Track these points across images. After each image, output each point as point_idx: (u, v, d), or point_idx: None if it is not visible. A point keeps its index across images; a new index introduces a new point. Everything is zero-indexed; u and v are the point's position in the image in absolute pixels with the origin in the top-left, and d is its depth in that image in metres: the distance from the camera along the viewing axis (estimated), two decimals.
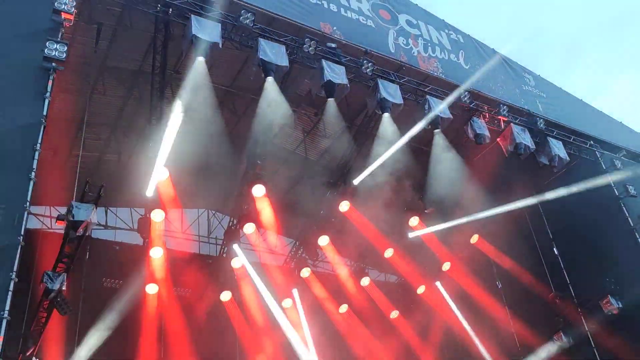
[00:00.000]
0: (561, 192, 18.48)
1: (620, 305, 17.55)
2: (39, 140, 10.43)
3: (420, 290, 21.81)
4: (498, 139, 18.14)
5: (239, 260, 18.59)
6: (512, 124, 17.96)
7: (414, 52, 17.78)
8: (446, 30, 19.68)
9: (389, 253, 20.77)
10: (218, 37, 13.55)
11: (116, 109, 17.52)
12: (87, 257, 17.06)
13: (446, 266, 21.44)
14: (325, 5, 16.67)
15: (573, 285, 19.54)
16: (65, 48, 11.16)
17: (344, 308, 21.19)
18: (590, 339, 18.33)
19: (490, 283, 21.53)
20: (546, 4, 67.10)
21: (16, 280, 9.30)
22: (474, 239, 21.26)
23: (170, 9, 13.77)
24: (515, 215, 19.31)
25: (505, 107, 18.05)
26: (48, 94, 10.81)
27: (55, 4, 11.52)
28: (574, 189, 18.32)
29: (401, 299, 22.22)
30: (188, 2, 13.80)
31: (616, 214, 18.85)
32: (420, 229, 20.55)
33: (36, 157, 10.28)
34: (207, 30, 13.44)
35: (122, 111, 17.56)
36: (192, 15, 13.51)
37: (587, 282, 18.95)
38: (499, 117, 18.03)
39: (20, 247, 9.51)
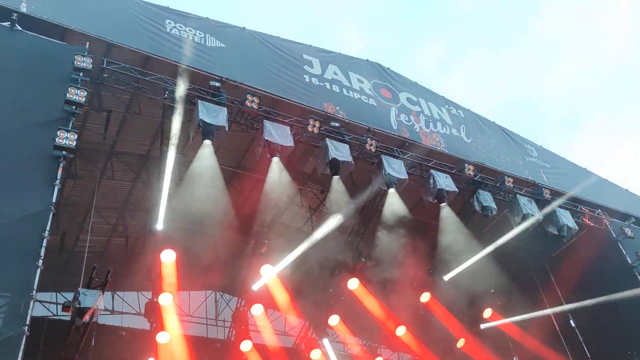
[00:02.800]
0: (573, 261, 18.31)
1: None
2: (47, 228, 10.46)
3: None
4: (505, 210, 18.12)
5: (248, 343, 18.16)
6: (518, 195, 17.99)
7: (415, 128, 18.11)
8: (446, 106, 20.14)
9: (401, 331, 20.24)
10: (224, 121, 13.89)
11: (124, 193, 17.73)
12: (93, 343, 16.71)
13: (461, 342, 20.81)
14: (328, 87, 17.18)
15: (594, 359, 18.87)
16: (76, 136, 11.40)
17: None
18: None
19: (508, 358, 20.84)
20: (543, 73, 69.01)
21: None
22: (488, 313, 20.78)
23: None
24: (528, 286, 19.01)
25: (510, 178, 18.14)
26: (57, 182, 10.96)
27: (67, 94, 11.89)
28: (587, 258, 18.12)
29: None
30: (195, 88, 14.27)
31: (631, 283, 18.46)
32: (431, 304, 20.15)
33: (44, 244, 10.26)
34: (213, 114, 13.80)
35: (130, 195, 17.76)
36: (198, 101, 13.93)
37: (609, 356, 18.30)
38: (505, 189, 18.06)
39: (25, 337, 9.32)
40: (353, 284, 18.92)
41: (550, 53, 69.59)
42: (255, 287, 18.12)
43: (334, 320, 19.57)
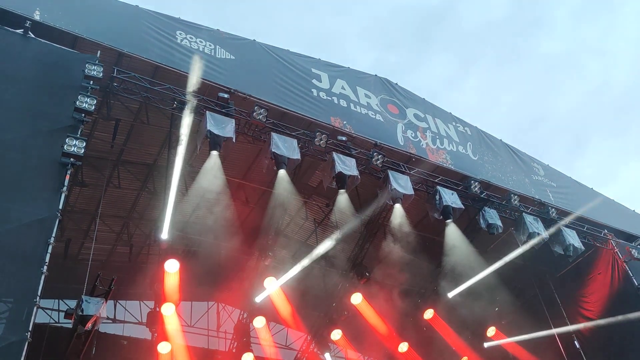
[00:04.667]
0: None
1: None
2: (53, 234, 10.47)
3: None
4: (511, 229, 18.03)
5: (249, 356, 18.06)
6: (524, 213, 17.91)
7: (422, 145, 18.11)
8: (453, 123, 20.14)
9: (403, 348, 20.09)
10: (232, 132, 13.93)
11: (130, 201, 17.76)
12: (94, 352, 16.65)
13: None
14: (336, 101, 17.23)
15: None
16: (84, 144, 11.43)
17: None
18: None
19: None
20: (550, 92, 69.04)
21: None
22: (491, 331, 20.62)
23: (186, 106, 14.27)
24: (532, 305, 18.88)
25: (516, 196, 18.07)
26: (64, 189, 10.98)
27: (77, 102, 11.96)
28: (591, 279, 18.01)
29: None
30: (203, 99, 14.34)
31: (638, 305, 18.28)
32: (434, 321, 20.02)
33: (49, 251, 10.26)
34: (221, 125, 13.85)
35: (136, 204, 17.79)
36: (207, 112, 13.99)
37: None
38: (511, 207, 17.99)
39: (27, 343, 9.29)
40: (356, 298, 18.82)
41: (558, 72, 69.66)
42: (258, 299, 18.05)
43: (336, 334, 19.45)
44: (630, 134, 68.06)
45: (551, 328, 20.04)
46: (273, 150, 14.42)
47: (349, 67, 18.87)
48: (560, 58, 68.20)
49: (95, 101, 12.21)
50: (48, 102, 11.97)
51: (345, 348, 20.32)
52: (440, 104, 20.58)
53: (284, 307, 18.13)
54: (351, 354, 20.35)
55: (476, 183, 17.41)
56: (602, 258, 19.18)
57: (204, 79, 14.64)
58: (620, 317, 17.75)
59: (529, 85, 70.70)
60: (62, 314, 17.37)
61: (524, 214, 17.89)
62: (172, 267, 15.41)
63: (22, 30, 12.62)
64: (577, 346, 19.60)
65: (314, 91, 16.91)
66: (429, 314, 20.06)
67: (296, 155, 14.74)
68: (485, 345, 20.66)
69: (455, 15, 68.25)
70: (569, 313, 20.04)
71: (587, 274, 18.45)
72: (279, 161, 14.52)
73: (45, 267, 10.02)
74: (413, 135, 18.15)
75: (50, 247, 10.25)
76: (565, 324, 20.03)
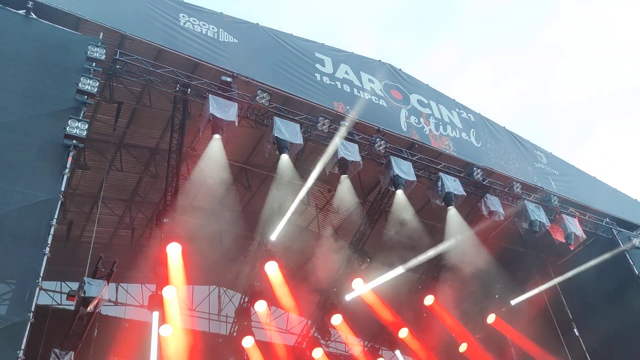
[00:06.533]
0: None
1: None
2: (55, 216, 10.49)
3: None
4: (513, 216, 18.02)
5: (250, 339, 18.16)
6: (526, 201, 17.90)
7: (425, 131, 18.04)
8: (457, 109, 20.05)
9: (403, 333, 20.18)
10: (234, 116, 13.90)
11: (132, 184, 17.77)
12: (96, 334, 16.76)
13: (463, 347, 20.73)
14: (339, 86, 17.15)
15: None
16: (86, 126, 11.42)
17: None
18: None
19: None
20: (554, 80, 68.64)
21: (23, 358, 9.08)
22: (491, 318, 20.69)
23: (189, 89, 14.24)
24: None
25: (518, 184, 18.04)
26: (67, 171, 10.98)
27: (80, 84, 11.92)
28: (592, 267, 18.05)
29: None
30: (206, 82, 14.28)
31: (637, 293, 18.34)
32: (435, 307, 20.09)
33: (51, 232, 10.29)
34: (224, 109, 13.81)
35: (138, 187, 17.80)
36: (209, 95, 13.94)
37: None
38: (513, 194, 17.98)
39: (30, 323, 9.35)
40: (358, 284, 18.87)
41: (563, 60, 69.19)
42: (260, 283, 18.09)
43: (336, 319, 19.53)
44: (635, 122, 67.67)
45: (551, 316, 20.13)
46: (275, 135, 14.38)
47: (352, 52, 18.76)
48: (566, 45, 67.73)
49: (97, 83, 12.18)
50: (50, 84, 11.93)
51: (345, 333, 20.39)
52: (444, 91, 20.51)
53: (284, 292, 18.16)
54: (350, 339, 20.43)
55: (479, 170, 17.39)
56: (604, 246, 19.15)
57: (207, 63, 14.59)
58: (620, 305, 17.85)
59: (533, 72, 70.29)
60: (64, 297, 17.47)
61: (526, 201, 17.87)
62: (174, 251, 15.43)
63: (24, 11, 12.54)
64: (577, 334, 19.70)
65: (318, 76, 16.83)
66: (429, 299, 20.11)
67: (299, 140, 14.71)
68: (485, 331, 20.71)
69: (460, 1, 67.68)
70: (568, 301, 20.14)
71: (588, 262, 18.42)
72: (282, 146, 14.48)
73: (47, 249, 10.07)
74: (416, 121, 18.08)
75: (52, 229, 10.29)
76: (565, 312, 20.15)
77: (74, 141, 11.24)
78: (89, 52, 12.51)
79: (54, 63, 12.22)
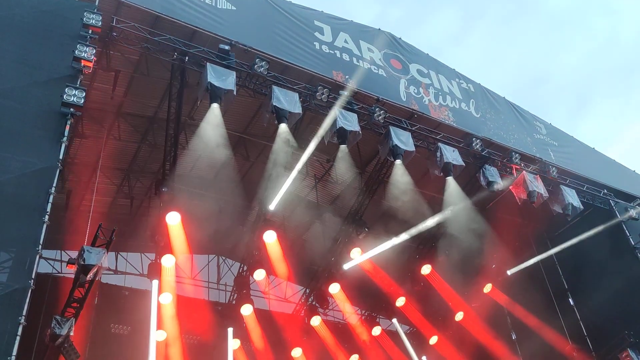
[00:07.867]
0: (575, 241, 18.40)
1: None
2: (54, 184, 10.49)
3: (433, 340, 21.34)
4: (511, 187, 18.04)
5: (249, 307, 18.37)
6: (524, 171, 17.91)
7: (425, 101, 17.94)
8: (457, 80, 19.90)
9: (400, 302, 20.42)
10: (233, 85, 13.76)
11: (130, 154, 17.72)
12: (96, 301, 16.93)
13: (459, 316, 21.01)
14: (338, 55, 16.97)
15: (591, 337, 19.08)
16: (84, 94, 11.35)
17: (354, 358, 20.71)
18: None
19: (505, 334, 21.06)
20: (555, 50, 68.05)
21: (25, 324, 9.19)
22: (488, 288, 20.92)
23: (187, 57, 14.08)
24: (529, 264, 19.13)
25: (517, 155, 18.03)
26: (65, 139, 10.94)
27: (76, 52, 11.79)
28: (589, 237, 18.17)
29: (413, 350, 21.67)
30: (204, 50, 14.12)
31: (633, 264, 18.51)
32: (431, 276, 20.29)
33: (50, 200, 10.30)
34: (222, 78, 13.67)
35: (136, 156, 17.75)
36: (207, 64, 13.78)
37: (606, 335, 18.47)
38: (511, 165, 17.98)
39: (30, 291, 9.43)
40: (356, 253, 18.99)
41: (563, 30, 68.56)
42: (258, 252, 18.21)
43: (334, 288, 19.72)
44: (634, 94, 67.41)
45: (547, 285, 20.35)
46: (274, 104, 14.28)
47: (352, 20, 18.51)
48: (567, 15, 67.02)
49: (94, 51, 12.05)
50: (46, 51, 11.83)
51: (342, 302, 20.60)
52: (443, 60, 20.32)
53: (283, 261, 18.30)
54: (348, 307, 20.65)
55: (478, 140, 17.36)
56: (601, 217, 19.24)
57: (204, 30, 14.39)
58: (619, 276, 18.03)
59: (533, 42, 69.72)
60: (64, 265, 17.61)
61: (524, 172, 17.88)
62: (173, 220, 15.49)
63: None
64: (572, 303, 19.94)
65: (316, 44, 16.64)
66: (426, 269, 20.29)
67: (297, 109, 14.60)
68: (481, 297, 20.94)
69: None
70: (564, 272, 20.34)
71: (585, 233, 18.53)
72: (280, 115, 14.39)
73: (46, 217, 10.11)
74: (416, 91, 17.95)
75: (51, 197, 10.31)
76: (561, 282, 20.37)
77: (72, 109, 11.18)
78: (84, 18, 12.36)
79: (49, 30, 12.10)
